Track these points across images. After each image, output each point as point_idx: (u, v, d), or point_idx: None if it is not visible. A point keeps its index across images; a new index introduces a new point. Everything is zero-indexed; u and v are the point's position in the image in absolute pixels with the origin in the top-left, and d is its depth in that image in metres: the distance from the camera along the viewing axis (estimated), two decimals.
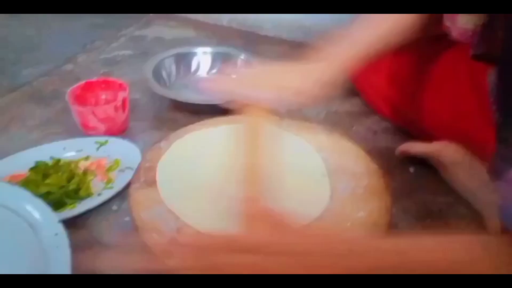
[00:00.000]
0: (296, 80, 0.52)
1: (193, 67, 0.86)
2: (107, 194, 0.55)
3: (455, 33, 0.53)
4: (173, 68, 0.84)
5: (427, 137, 0.60)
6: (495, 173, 0.36)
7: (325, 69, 0.52)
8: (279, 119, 0.65)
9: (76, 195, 0.55)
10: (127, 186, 0.55)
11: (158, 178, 0.52)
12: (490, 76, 0.48)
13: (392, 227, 0.48)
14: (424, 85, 0.64)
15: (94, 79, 0.71)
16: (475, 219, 0.53)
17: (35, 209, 0.43)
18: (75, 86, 0.68)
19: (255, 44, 1.00)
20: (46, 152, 0.61)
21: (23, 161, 0.59)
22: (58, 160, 0.60)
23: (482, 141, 0.50)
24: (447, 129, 0.59)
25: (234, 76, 0.56)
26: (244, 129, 0.50)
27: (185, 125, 0.63)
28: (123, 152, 0.63)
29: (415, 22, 0.54)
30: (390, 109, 0.71)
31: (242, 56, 0.85)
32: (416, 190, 0.60)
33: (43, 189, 0.53)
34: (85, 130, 0.66)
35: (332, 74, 0.52)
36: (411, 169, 0.63)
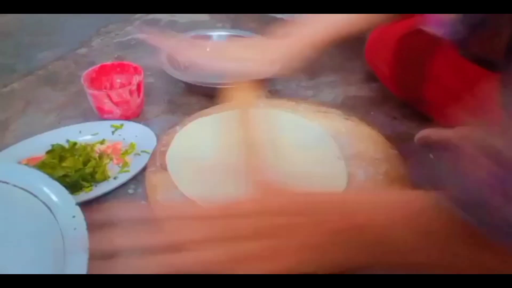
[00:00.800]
0: (261, 52, 0.56)
1: None
2: (123, 178, 0.55)
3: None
4: None
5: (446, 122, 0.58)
6: None
7: (292, 44, 0.56)
8: (295, 104, 0.64)
9: (92, 178, 0.55)
10: (143, 169, 0.55)
11: (170, 162, 0.51)
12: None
13: None
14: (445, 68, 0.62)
15: (109, 62, 0.71)
16: None
17: (53, 192, 0.43)
18: (90, 69, 0.68)
19: (270, 27, 0.98)
20: (62, 135, 0.61)
21: (40, 144, 0.59)
22: (75, 143, 0.60)
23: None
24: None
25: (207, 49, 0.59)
26: (235, 113, 0.52)
27: (200, 109, 0.62)
28: (139, 135, 0.62)
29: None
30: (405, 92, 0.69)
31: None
32: (435, 176, 0.58)
33: (60, 172, 0.54)
34: (101, 114, 0.66)
35: (298, 49, 0.56)
36: (431, 155, 0.62)
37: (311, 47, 0.57)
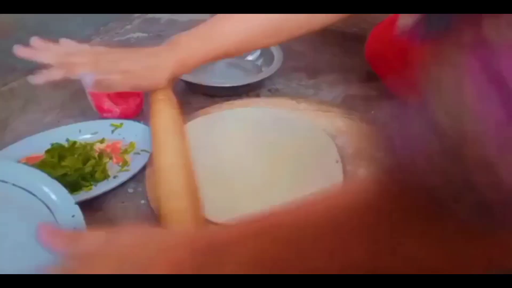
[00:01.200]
0: (138, 64, 0.55)
1: None
2: (123, 177, 0.55)
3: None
4: None
5: None
6: None
7: (171, 57, 0.55)
8: (295, 103, 0.64)
9: (92, 177, 0.55)
10: (143, 168, 0.55)
11: None
12: None
13: None
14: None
15: None
16: None
17: (52, 191, 0.43)
18: None
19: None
20: (61, 134, 0.61)
21: (39, 143, 0.59)
22: (74, 142, 0.59)
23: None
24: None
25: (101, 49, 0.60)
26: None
27: (200, 108, 0.62)
28: (138, 134, 0.62)
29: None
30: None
31: None
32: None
33: (60, 171, 0.53)
34: (100, 113, 0.66)
35: (189, 62, 0.56)
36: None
37: (203, 61, 0.57)
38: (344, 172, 0.51)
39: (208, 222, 0.44)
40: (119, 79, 0.55)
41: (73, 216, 0.41)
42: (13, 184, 0.43)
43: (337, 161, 0.53)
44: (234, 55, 0.62)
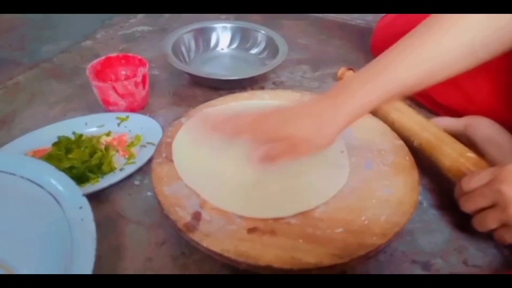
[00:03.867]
0: (318, 124, 0.45)
1: (213, 43, 0.85)
2: (129, 169, 0.55)
3: None
4: (192, 43, 0.83)
5: (456, 114, 0.58)
6: None
7: (351, 109, 0.45)
8: (300, 95, 0.64)
9: (98, 170, 0.55)
10: (149, 161, 0.55)
11: (175, 154, 0.51)
12: None
13: (418, 205, 0.47)
14: None
15: (114, 54, 0.71)
16: None
17: (59, 183, 0.43)
18: (95, 61, 0.68)
19: (274, 18, 0.98)
20: (68, 127, 0.62)
21: (46, 136, 0.59)
22: (81, 135, 0.60)
23: None
24: (483, 107, 0.56)
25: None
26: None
27: (204, 101, 0.62)
28: (144, 127, 0.62)
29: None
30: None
31: (263, 31, 0.83)
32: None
33: (66, 164, 0.54)
34: (106, 106, 0.66)
35: (348, 116, 0.45)
36: None
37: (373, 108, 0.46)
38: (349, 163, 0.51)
39: (218, 211, 0.44)
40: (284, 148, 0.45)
41: (80, 207, 0.41)
42: (21, 177, 0.44)
43: (342, 151, 0.53)
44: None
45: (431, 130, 0.55)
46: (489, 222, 0.42)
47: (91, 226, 0.40)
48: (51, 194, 0.42)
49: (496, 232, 0.43)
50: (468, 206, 0.45)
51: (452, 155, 0.51)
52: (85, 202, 0.42)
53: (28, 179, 0.44)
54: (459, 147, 0.51)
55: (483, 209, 0.43)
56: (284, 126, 0.45)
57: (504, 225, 0.42)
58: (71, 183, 0.44)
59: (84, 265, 0.37)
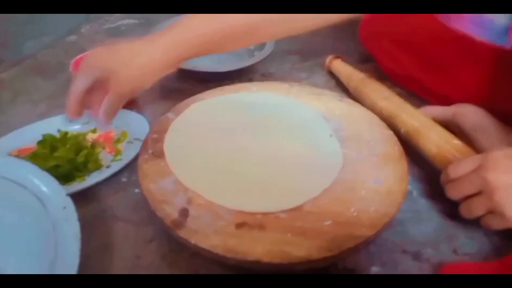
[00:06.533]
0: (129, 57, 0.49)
1: None
2: (116, 166, 0.54)
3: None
4: None
5: (446, 101, 0.57)
6: None
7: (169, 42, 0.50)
8: (288, 86, 0.63)
9: (85, 167, 0.54)
10: (136, 157, 0.54)
11: (166, 149, 0.51)
12: None
13: (408, 195, 0.47)
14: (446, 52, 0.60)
15: None
16: None
17: (42, 183, 0.42)
18: (78, 57, 0.66)
19: None
20: (53, 125, 0.60)
21: (31, 134, 0.58)
22: (66, 133, 0.59)
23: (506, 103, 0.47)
24: (472, 96, 0.56)
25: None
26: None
27: (192, 94, 0.61)
28: (131, 123, 0.61)
29: None
30: (406, 77, 0.69)
31: None
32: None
33: (52, 162, 0.53)
34: None
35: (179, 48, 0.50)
36: None
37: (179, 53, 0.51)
38: None
39: (206, 207, 0.44)
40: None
41: (64, 207, 0.41)
42: (4, 177, 0.43)
43: (330, 135, 0.53)
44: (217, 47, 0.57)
45: (419, 118, 0.55)
46: (476, 209, 0.43)
47: (75, 226, 0.39)
48: (34, 194, 0.41)
49: (482, 219, 0.43)
50: (454, 193, 0.45)
51: (438, 142, 0.51)
52: (69, 202, 0.41)
53: (10, 180, 0.43)
54: (445, 134, 0.51)
55: (469, 196, 0.43)
56: (106, 60, 0.49)
57: (490, 212, 0.42)
58: (54, 183, 0.43)
59: (69, 265, 0.36)
